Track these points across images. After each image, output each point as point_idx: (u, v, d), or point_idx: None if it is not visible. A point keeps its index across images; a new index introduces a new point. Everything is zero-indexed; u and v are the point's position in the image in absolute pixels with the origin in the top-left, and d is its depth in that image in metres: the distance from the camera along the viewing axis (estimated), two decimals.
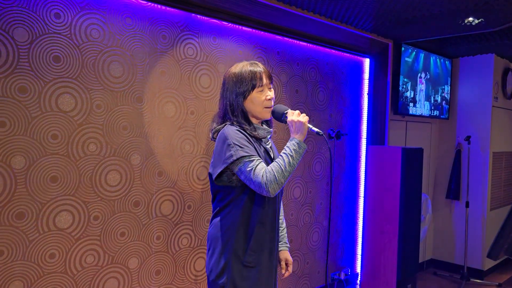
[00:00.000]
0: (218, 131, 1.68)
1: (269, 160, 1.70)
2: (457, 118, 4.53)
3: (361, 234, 3.80)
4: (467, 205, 4.18)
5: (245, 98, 1.65)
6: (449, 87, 4.49)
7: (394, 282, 3.39)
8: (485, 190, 4.29)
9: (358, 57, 3.81)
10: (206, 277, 1.71)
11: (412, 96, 4.02)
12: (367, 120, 3.89)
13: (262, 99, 1.66)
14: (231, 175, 1.60)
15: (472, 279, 4.17)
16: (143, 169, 2.34)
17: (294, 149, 1.57)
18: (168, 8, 2.42)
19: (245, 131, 1.63)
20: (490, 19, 3.12)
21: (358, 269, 3.86)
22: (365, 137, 3.89)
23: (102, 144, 2.17)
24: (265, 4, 2.80)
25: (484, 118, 4.30)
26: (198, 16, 2.57)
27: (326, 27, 3.26)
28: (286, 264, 1.86)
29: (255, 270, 1.63)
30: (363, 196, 3.84)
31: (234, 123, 1.65)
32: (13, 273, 1.92)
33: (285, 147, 1.59)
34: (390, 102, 3.91)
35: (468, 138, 4.21)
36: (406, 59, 3.90)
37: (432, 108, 4.32)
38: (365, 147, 3.85)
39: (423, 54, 4.10)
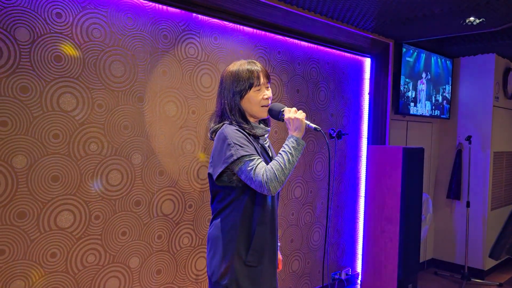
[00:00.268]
0: (216, 130, 1.65)
1: (268, 158, 1.69)
2: (458, 118, 4.52)
3: (362, 234, 3.80)
4: (468, 205, 4.18)
5: (242, 97, 1.63)
6: (450, 87, 4.48)
7: (395, 281, 3.39)
8: (486, 190, 4.28)
9: (359, 57, 3.81)
10: (207, 278, 1.70)
11: (413, 96, 4.02)
12: (368, 120, 3.88)
13: (259, 98, 1.65)
14: (231, 175, 1.59)
15: (473, 279, 4.17)
16: (144, 169, 2.35)
17: (293, 147, 1.55)
18: (169, 8, 2.43)
19: (244, 130, 1.61)
20: (491, 18, 3.12)
21: (359, 269, 3.86)
22: (366, 136, 3.89)
23: (103, 143, 2.18)
24: (266, 4, 2.80)
25: (485, 118, 4.30)
26: (199, 15, 2.57)
27: (327, 27, 3.26)
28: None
29: (258, 269, 1.62)
30: (363, 195, 3.84)
31: (233, 122, 1.63)
32: (15, 273, 1.92)
33: (283, 144, 1.58)
34: (391, 102, 3.91)
35: (469, 138, 4.20)
36: (408, 59, 3.90)
37: (433, 108, 4.31)
38: (366, 146, 3.85)
39: (424, 55, 4.10)
